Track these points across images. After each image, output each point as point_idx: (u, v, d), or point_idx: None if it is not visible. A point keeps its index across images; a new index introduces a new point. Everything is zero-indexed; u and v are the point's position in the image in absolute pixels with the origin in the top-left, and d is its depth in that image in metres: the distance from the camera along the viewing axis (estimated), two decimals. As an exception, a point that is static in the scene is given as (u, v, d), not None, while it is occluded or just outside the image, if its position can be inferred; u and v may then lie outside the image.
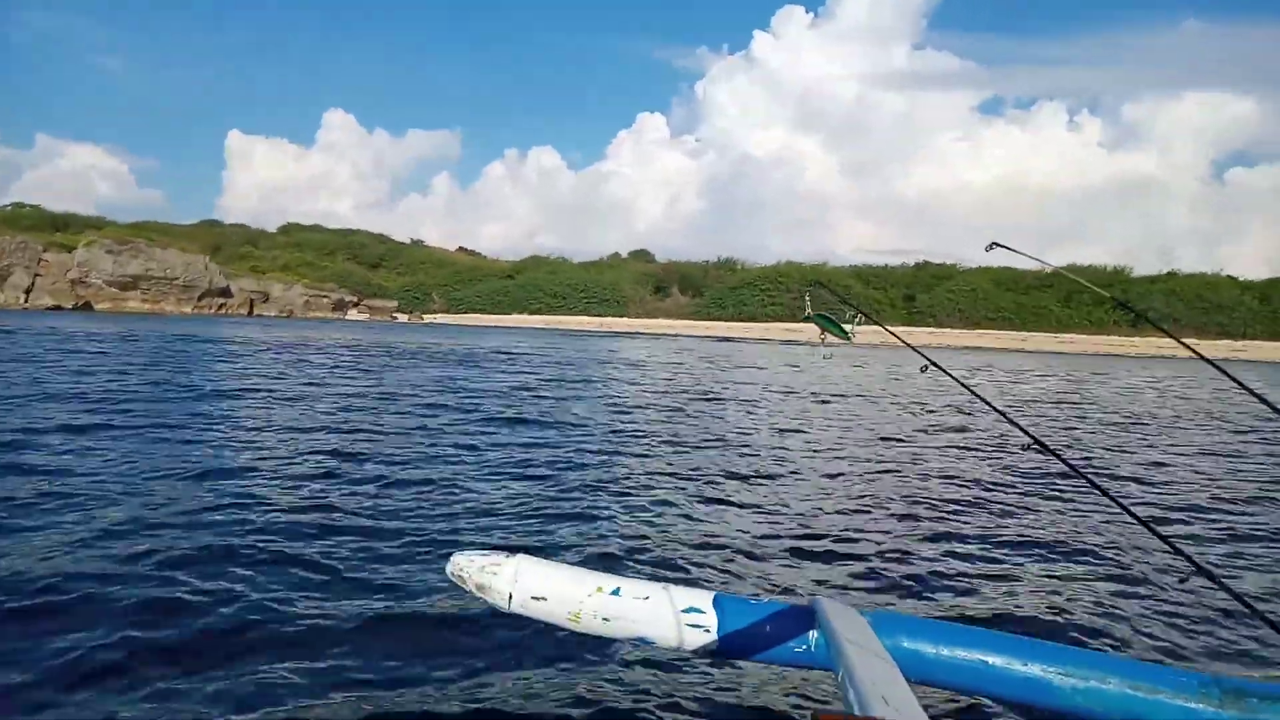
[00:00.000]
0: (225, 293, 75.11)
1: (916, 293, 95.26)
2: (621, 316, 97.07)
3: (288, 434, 8.58)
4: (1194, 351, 2.33)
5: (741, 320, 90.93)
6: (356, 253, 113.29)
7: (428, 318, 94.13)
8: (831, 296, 2.60)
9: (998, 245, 2.50)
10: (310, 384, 14.57)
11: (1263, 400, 2.12)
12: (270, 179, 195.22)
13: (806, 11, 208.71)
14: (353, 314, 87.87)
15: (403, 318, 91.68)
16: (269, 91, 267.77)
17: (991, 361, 40.76)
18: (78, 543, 4.43)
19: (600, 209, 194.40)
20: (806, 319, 2.55)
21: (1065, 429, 12.44)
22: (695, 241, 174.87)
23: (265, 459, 7.09)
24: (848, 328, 2.48)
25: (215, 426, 8.89)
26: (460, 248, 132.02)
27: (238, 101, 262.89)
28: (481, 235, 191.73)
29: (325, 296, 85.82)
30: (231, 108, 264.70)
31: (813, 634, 2.03)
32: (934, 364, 2.39)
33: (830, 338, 2.53)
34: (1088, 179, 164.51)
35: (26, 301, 62.47)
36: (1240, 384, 2.10)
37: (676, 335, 69.74)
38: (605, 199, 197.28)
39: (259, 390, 13.00)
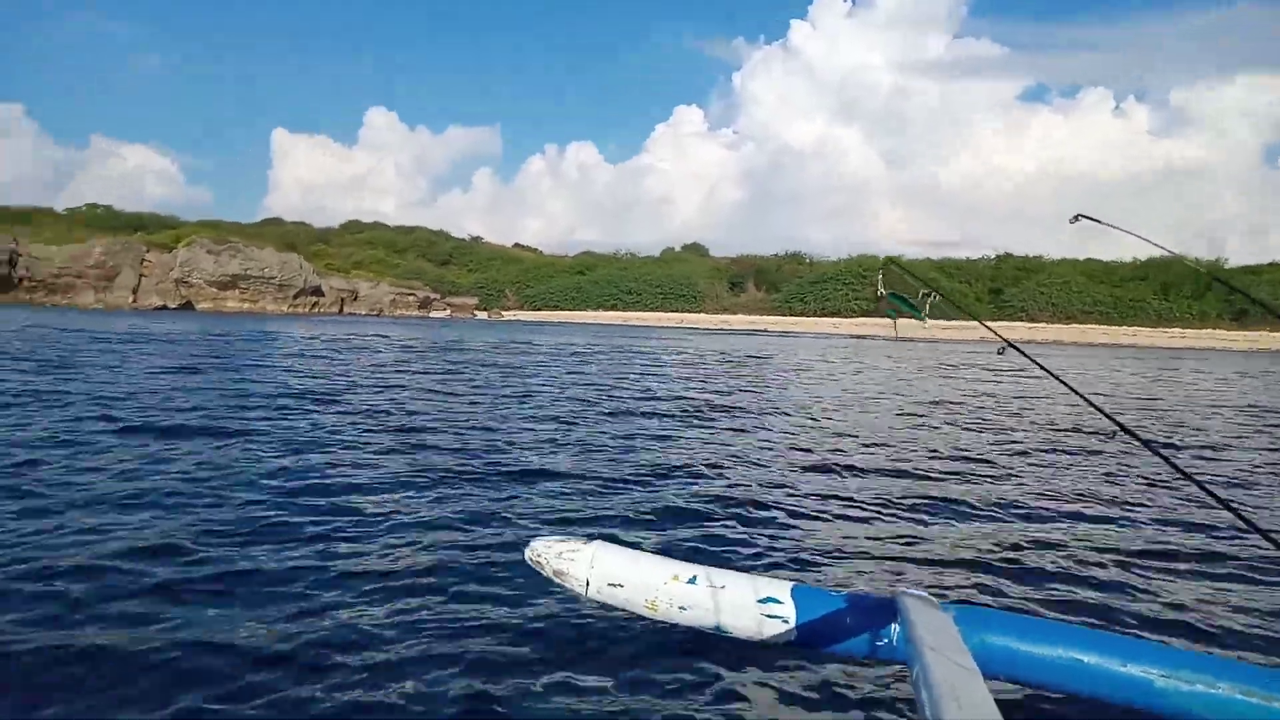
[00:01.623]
0: (317, 291, 76.15)
1: (1003, 286, 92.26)
2: (699, 313, 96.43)
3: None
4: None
5: (825, 315, 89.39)
6: (425, 250, 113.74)
7: (507, 314, 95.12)
8: (903, 275, 2.52)
9: (1083, 217, 2.38)
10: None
11: None
12: (314, 177, 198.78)
13: (844, 0, 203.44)
14: (435, 312, 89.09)
15: (482, 315, 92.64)
16: (312, 89, 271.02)
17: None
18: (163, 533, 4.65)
19: (639, 203, 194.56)
20: (879, 298, 2.48)
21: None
22: (735, 233, 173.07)
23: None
24: (921, 310, 2.41)
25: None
26: (517, 244, 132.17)
27: (281, 99, 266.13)
28: (523, 230, 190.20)
29: (412, 294, 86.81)
30: (275, 106, 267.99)
31: (894, 627, 1.96)
32: (1011, 345, 2.29)
33: (903, 320, 2.47)
34: (1135, 166, 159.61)
35: (135, 301, 64.05)
36: None
37: (777, 332, 68.92)
38: (644, 193, 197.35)
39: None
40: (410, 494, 5.70)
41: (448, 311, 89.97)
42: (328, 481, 5.93)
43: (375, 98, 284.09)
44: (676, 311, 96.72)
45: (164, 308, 63.34)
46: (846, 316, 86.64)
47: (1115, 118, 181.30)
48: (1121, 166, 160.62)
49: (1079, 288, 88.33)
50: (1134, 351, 50.41)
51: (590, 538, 2.29)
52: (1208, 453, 9.05)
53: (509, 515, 5.24)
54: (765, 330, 72.84)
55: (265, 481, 5.82)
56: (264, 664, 3.02)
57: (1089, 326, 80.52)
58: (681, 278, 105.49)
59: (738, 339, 48.51)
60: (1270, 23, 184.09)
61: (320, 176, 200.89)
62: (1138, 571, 4.53)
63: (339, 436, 7.90)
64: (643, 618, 2.21)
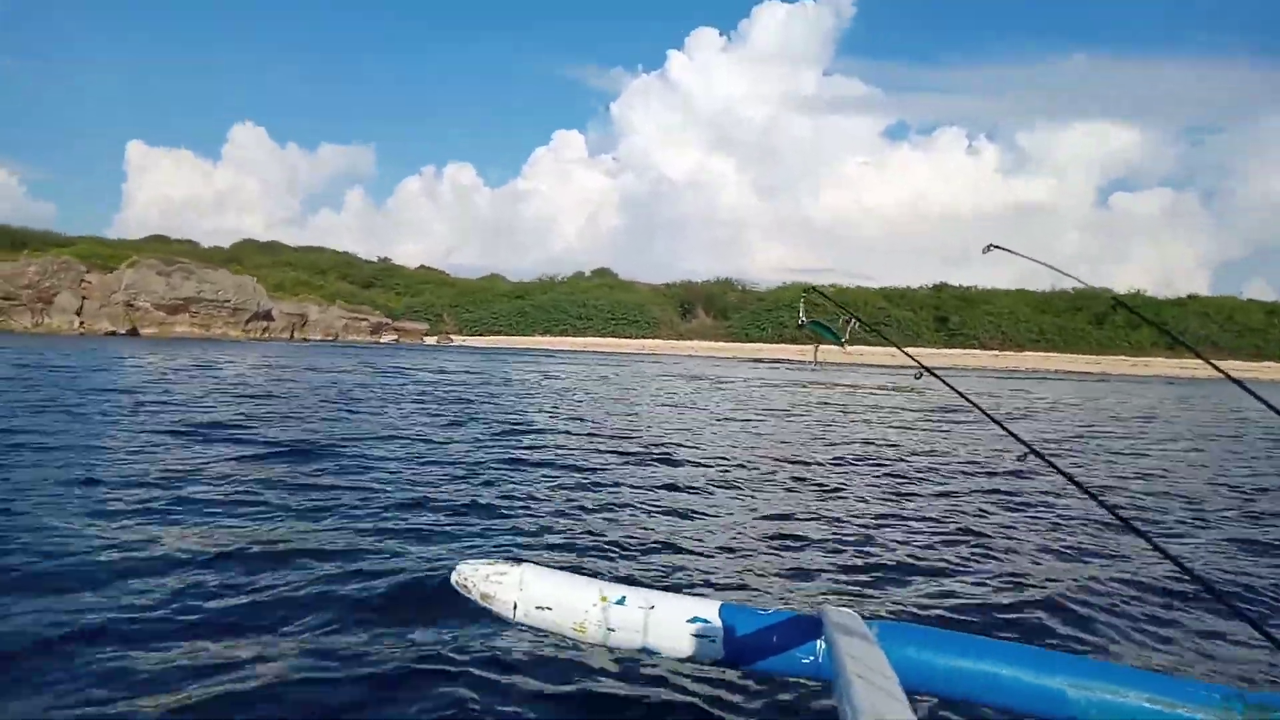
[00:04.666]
0: (268, 316, 72.15)
1: (947, 314, 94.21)
2: (653, 339, 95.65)
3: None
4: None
5: (783, 343, 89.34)
6: (345, 271, 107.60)
7: (456, 339, 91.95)
8: (825, 302, 2.59)
9: (995, 247, 2.47)
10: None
11: None
12: (175, 193, 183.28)
13: (720, 34, 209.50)
14: (385, 337, 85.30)
15: (431, 340, 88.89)
16: (172, 102, 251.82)
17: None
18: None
19: (520, 226, 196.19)
20: (800, 326, 2.55)
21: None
22: (618, 259, 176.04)
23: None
24: (841, 336, 2.47)
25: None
26: (422, 265, 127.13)
27: (138, 111, 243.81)
28: (398, 252, 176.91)
29: (365, 319, 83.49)
30: (131, 118, 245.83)
31: (819, 644, 2.01)
32: (930, 371, 2.36)
33: (824, 345, 2.52)
34: (986, 203, 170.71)
35: (81, 326, 58.79)
36: None
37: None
38: (524, 216, 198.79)
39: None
40: (334, 521, 5.59)
41: (396, 337, 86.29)
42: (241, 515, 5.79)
43: (242, 112, 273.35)
44: (630, 338, 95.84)
45: (114, 333, 58.33)
46: (801, 344, 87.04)
47: (968, 156, 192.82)
48: (974, 202, 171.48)
49: (1024, 317, 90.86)
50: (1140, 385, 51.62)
51: (518, 560, 2.29)
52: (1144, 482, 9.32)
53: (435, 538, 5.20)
54: (732, 357, 71.79)
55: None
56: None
57: (1048, 354, 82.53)
58: (632, 304, 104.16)
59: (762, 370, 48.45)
60: (1101, 76, 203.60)
61: (181, 192, 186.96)
62: (1053, 588, 4.64)
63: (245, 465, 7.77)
64: (572, 640, 2.21)
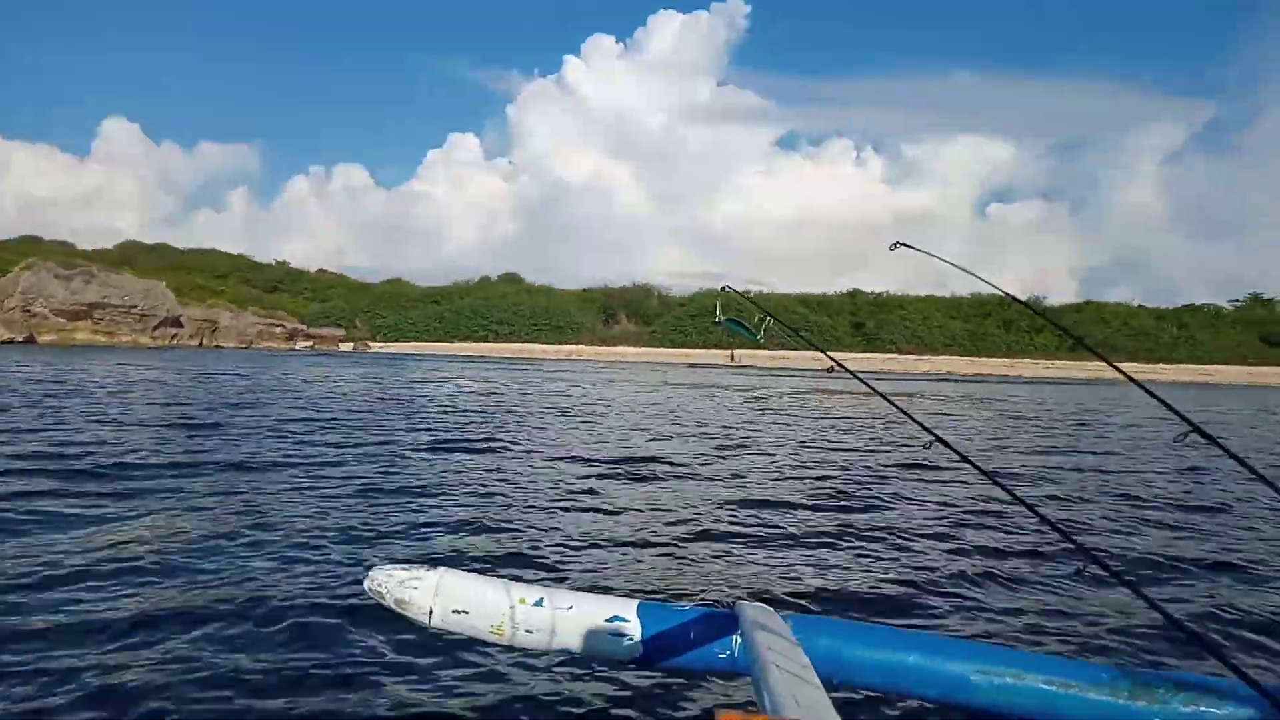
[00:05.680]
0: (176, 322, 68.60)
1: (863, 319, 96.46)
2: (577, 344, 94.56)
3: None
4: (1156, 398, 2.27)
5: (709, 348, 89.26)
6: (247, 274, 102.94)
7: (374, 346, 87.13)
8: (745, 302, 2.65)
9: (901, 244, 2.58)
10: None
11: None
12: (34, 189, 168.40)
13: (616, 41, 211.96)
14: (299, 344, 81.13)
15: (347, 347, 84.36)
16: (34, 93, 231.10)
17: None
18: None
19: (412, 228, 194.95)
20: (716, 324, 2.61)
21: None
22: (515, 263, 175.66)
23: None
24: (757, 334, 2.53)
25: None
26: (321, 269, 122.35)
27: None
28: (283, 252, 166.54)
29: (279, 325, 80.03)
30: None
31: (736, 638, 2.06)
32: (840, 365, 2.45)
33: (742, 345, 2.58)
34: (874, 212, 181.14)
35: None
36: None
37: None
38: (418, 218, 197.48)
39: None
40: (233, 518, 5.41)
41: (311, 344, 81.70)
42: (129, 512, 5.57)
43: (112, 106, 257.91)
44: (555, 343, 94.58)
45: (10, 340, 53.98)
46: (726, 348, 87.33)
47: (856, 167, 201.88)
48: (863, 211, 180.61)
49: (937, 322, 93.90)
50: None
51: (434, 564, 2.27)
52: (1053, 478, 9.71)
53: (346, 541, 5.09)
54: (663, 362, 71.45)
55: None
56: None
57: (973, 359, 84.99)
58: (555, 309, 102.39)
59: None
60: (980, 93, 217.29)
61: (45, 189, 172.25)
62: (955, 574, 4.82)
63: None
64: (490, 644, 2.20)
